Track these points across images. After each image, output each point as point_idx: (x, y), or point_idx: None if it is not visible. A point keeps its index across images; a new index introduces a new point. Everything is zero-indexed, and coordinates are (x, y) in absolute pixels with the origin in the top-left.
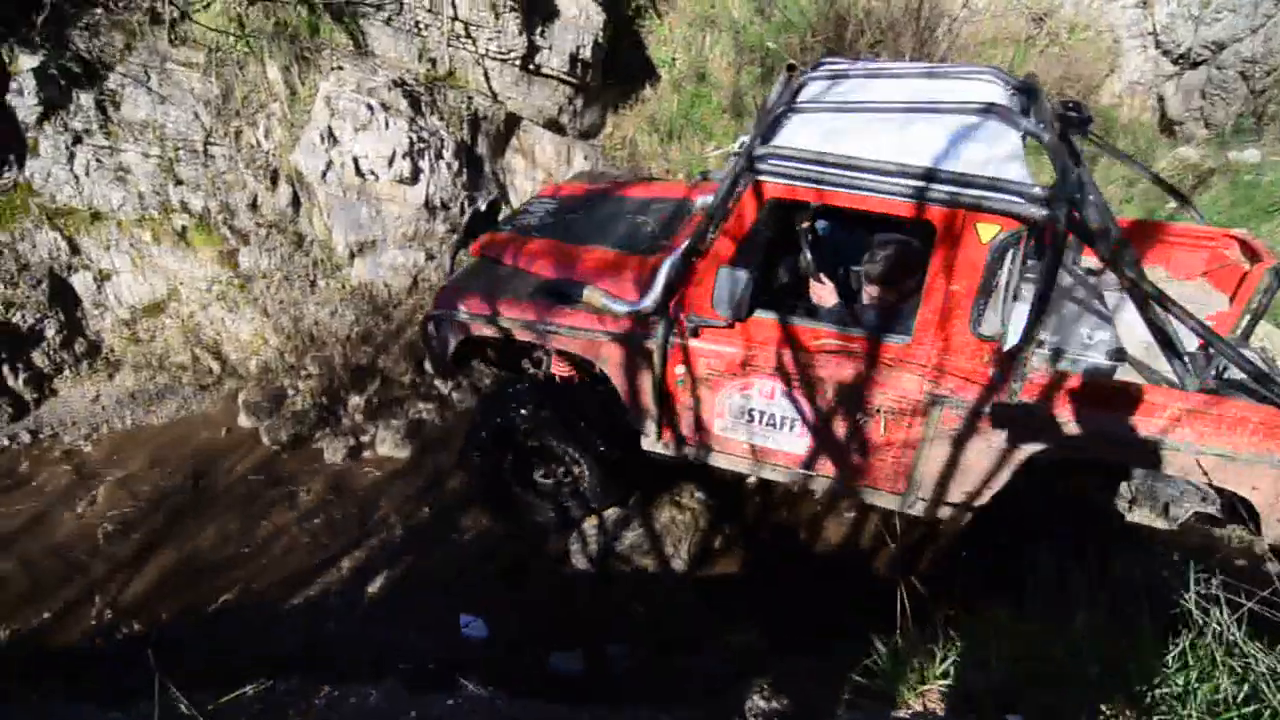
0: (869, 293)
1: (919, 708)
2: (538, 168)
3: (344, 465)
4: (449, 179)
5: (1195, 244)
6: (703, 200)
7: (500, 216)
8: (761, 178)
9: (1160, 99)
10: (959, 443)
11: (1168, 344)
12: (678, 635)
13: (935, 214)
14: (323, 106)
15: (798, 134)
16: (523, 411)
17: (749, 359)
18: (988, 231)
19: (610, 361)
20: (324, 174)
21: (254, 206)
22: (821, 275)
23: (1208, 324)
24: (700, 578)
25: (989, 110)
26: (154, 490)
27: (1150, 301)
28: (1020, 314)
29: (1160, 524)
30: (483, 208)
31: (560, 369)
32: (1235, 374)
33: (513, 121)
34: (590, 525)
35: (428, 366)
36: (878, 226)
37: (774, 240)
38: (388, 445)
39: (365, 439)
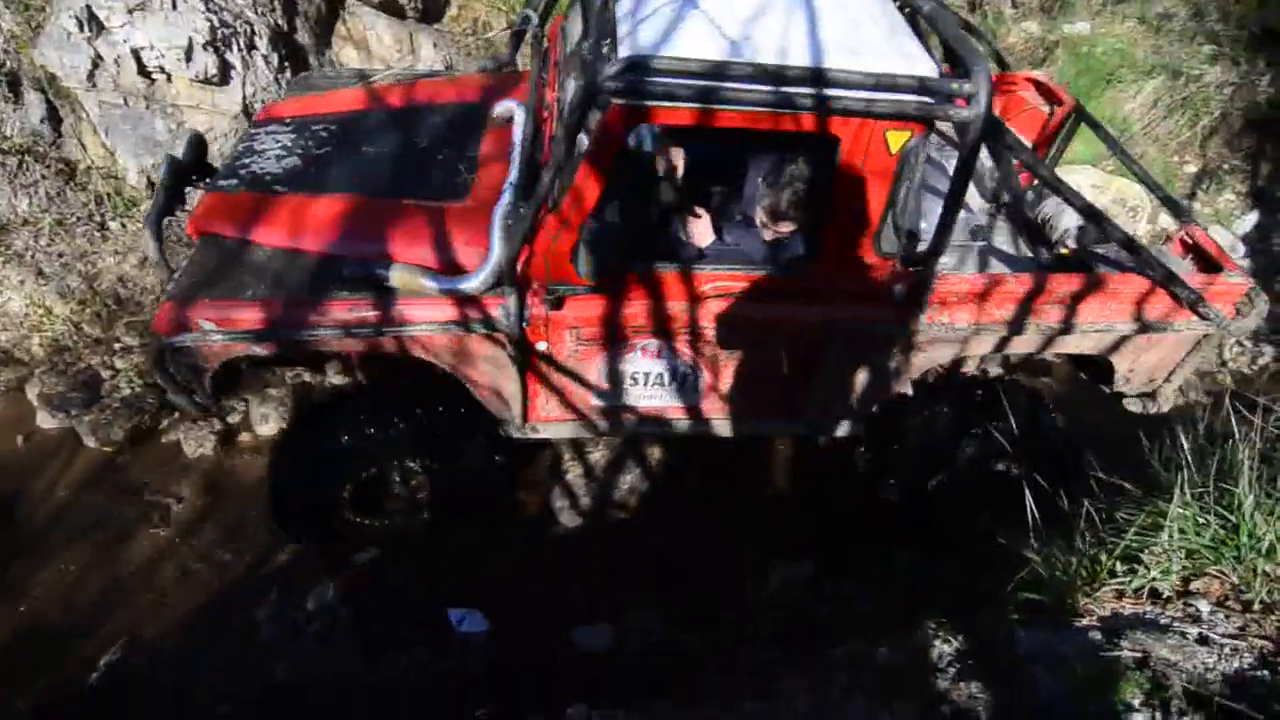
0: (770, 226)
1: (1104, 612)
2: (374, 60)
3: (216, 457)
4: (270, 78)
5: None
6: (503, 107)
7: (218, 163)
8: (622, 101)
9: None
10: (860, 366)
11: (1028, 222)
12: (710, 586)
13: (841, 126)
14: None
15: (642, 30)
16: (353, 438)
17: (627, 321)
18: (897, 140)
19: (448, 356)
20: (90, 75)
21: None
22: (696, 209)
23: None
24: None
25: None
26: None
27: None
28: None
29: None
30: (182, 155)
31: (369, 373)
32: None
33: (336, 1)
34: (576, 474)
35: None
36: (735, 144)
37: (624, 171)
38: (271, 422)
39: (235, 419)
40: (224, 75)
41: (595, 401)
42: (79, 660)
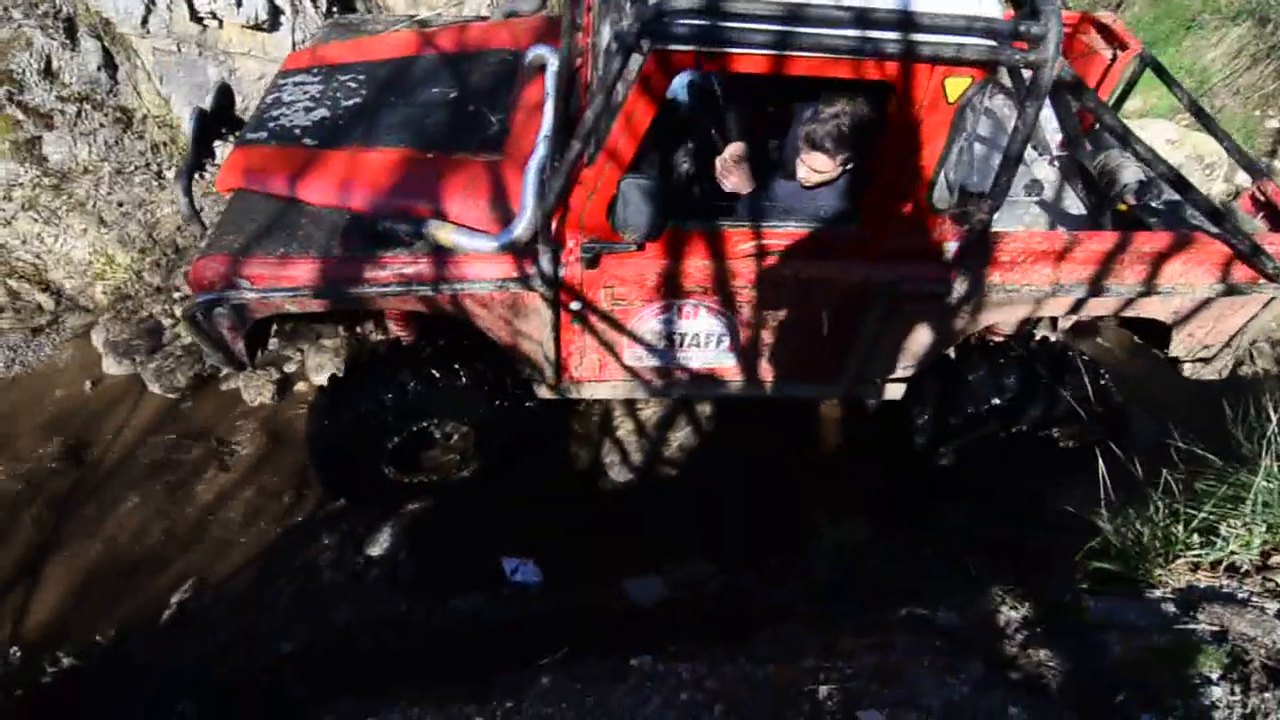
0: (807, 162)
1: (1178, 584)
2: (421, 5)
3: (275, 405)
4: (319, 22)
5: None
6: (535, 54)
7: (247, 115)
8: (670, 46)
9: None
10: (904, 327)
11: (1087, 176)
12: (762, 543)
13: (895, 72)
14: None
15: None
16: (385, 398)
17: (665, 280)
18: (956, 87)
19: (482, 314)
20: (144, 21)
21: (49, 74)
22: (736, 150)
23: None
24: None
25: None
26: (16, 477)
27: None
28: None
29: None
30: (210, 106)
31: (404, 330)
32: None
33: None
34: (627, 430)
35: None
36: (782, 92)
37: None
38: (325, 372)
39: (291, 369)
40: (274, 20)
41: (630, 362)
42: (151, 596)
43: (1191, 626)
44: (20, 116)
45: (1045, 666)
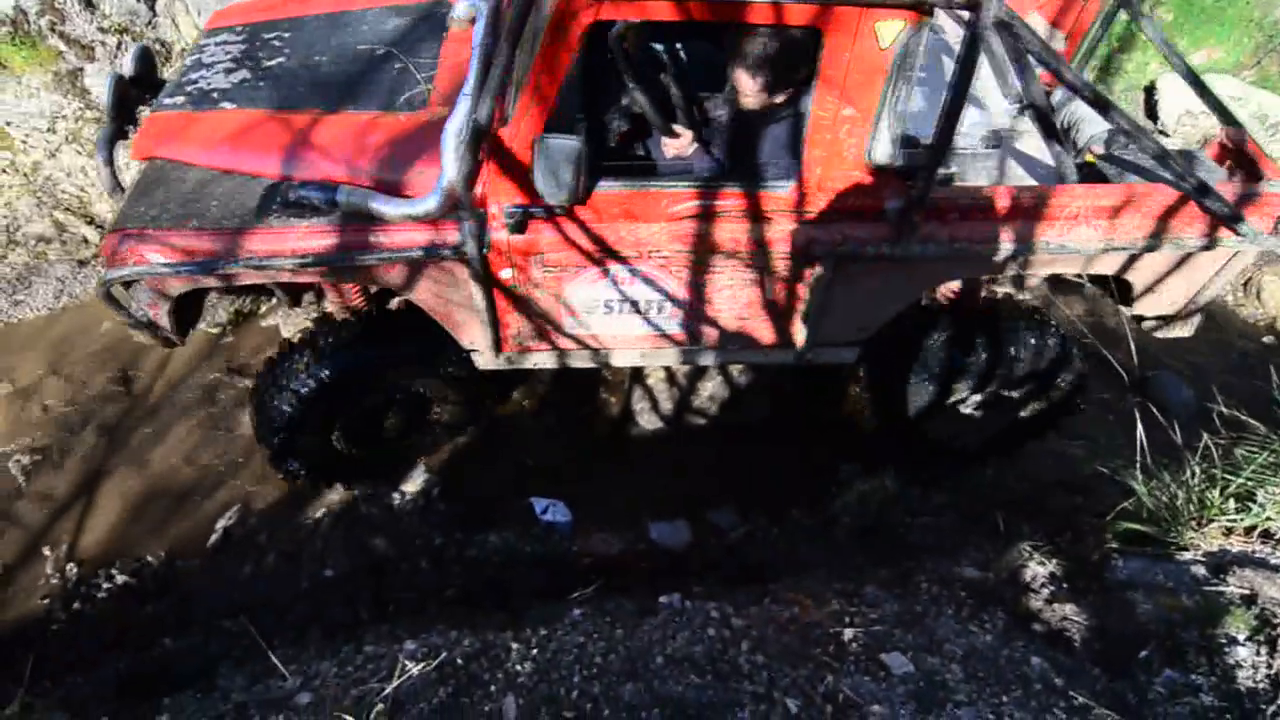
0: (742, 90)
1: (1210, 547)
2: None
3: None
4: None
5: None
6: (465, 5)
7: (166, 76)
8: None
9: None
10: (850, 289)
11: (1051, 126)
12: (788, 493)
13: (822, 16)
14: None
15: None
16: (318, 378)
17: (597, 245)
18: (890, 31)
19: (407, 285)
20: None
21: (90, 4)
22: (675, 127)
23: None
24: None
25: None
26: (71, 403)
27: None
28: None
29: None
30: (129, 70)
31: (343, 301)
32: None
33: None
34: (658, 379)
35: None
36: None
37: (587, 72)
38: None
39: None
40: None
41: (571, 331)
42: (198, 520)
43: (1221, 589)
44: (63, 47)
45: (1070, 621)
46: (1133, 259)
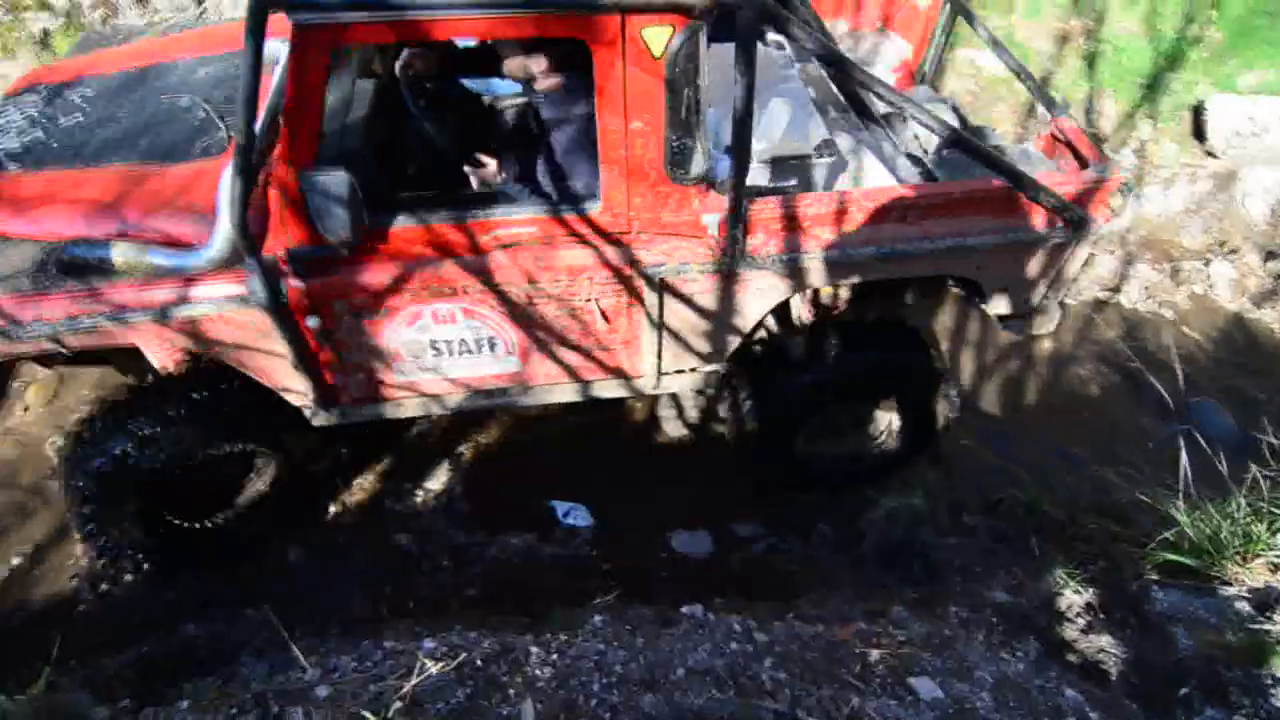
0: (525, 74)
1: (1255, 583)
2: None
3: None
4: None
5: None
6: (271, 48)
7: None
8: (304, 18)
9: None
10: (688, 313)
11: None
12: (811, 506)
13: (581, 27)
14: None
15: None
16: (152, 434)
17: (401, 284)
18: (658, 38)
19: (202, 343)
20: None
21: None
22: (479, 156)
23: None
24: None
25: None
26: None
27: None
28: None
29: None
30: None
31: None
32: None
33: None
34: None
35: None
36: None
37: (385, 102)
38: None
39: None
40: None
41: (400, 379)
42: None
43: (1267, 627)
44: None
45: (1106, 653)
46: (971, 259)
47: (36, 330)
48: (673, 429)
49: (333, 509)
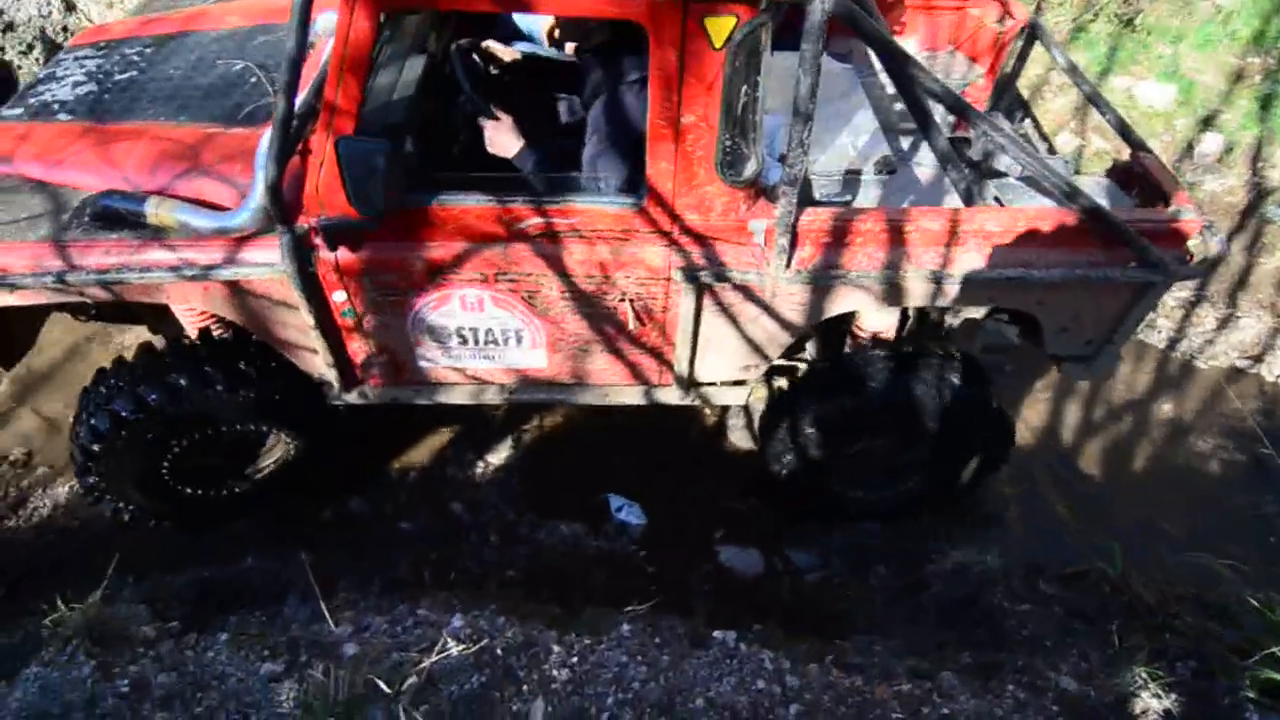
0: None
1: None
2: None
3: None
4: None
5: (938, 5)
6: (324, 19)
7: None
8: None
9: None
10: (724, 321)
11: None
12: (875, 544)
13: (643, 12)
14: None
15: None
16: (186, 392)
17: (430, 265)
18: (720, 29)
19: (227, 307)
20: None
21: None
22: (495, 110)
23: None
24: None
25: None
26: None
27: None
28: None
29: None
30: None
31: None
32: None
33: None
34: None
35: None
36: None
37: (434, 81)
38: None
39: None
40: None
41: (425, 364)
42: None
43: None
44: None
45: None
46: (1032, 292)
47: (75, 278)
48: (739, 438)
49: (397, 465)
